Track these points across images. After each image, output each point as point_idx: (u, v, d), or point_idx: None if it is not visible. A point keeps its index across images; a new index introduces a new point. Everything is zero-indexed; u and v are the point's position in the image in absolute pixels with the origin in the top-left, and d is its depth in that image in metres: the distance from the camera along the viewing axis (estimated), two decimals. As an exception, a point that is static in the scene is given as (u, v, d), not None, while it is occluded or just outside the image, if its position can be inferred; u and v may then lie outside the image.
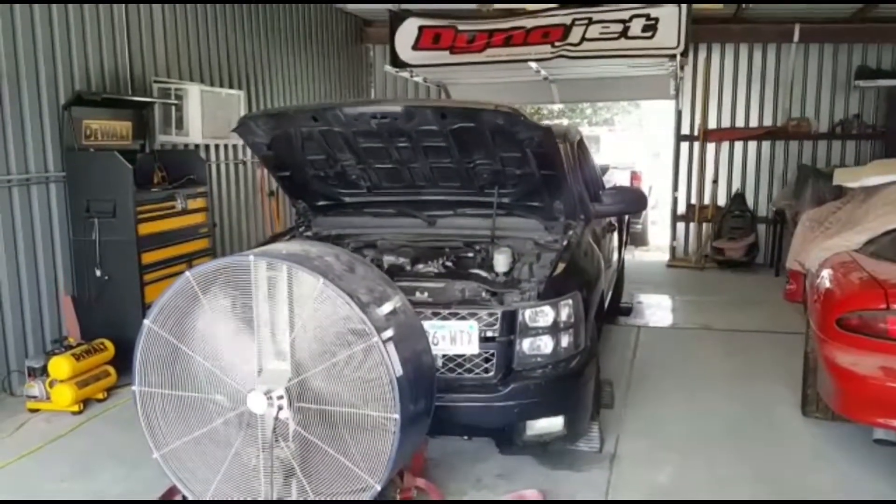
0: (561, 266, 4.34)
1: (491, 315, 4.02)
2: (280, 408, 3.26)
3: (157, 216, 6.17)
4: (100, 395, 5.52)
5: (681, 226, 11.37)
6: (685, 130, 11.10)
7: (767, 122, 10.87)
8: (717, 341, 6.99)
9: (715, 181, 10.98)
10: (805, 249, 6.20)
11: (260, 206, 9.04)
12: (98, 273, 5.91)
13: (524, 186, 4.87)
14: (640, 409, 5.23)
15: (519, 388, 4.00)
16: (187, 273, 3.34)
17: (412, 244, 5.03)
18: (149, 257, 6.06)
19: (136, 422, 5.10)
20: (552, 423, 4.11)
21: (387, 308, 3.27)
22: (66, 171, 6.00)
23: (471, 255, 4.92)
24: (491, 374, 4.03)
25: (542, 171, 4.60)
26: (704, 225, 11.07)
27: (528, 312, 4.04)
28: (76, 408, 5.28)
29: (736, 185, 11.03)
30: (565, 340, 4.13)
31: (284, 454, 3.36)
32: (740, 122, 10.97)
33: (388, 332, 3.15)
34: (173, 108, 7.07)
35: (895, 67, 10.21)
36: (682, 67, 9.16)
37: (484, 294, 4.16)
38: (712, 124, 10.96)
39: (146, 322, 3.42)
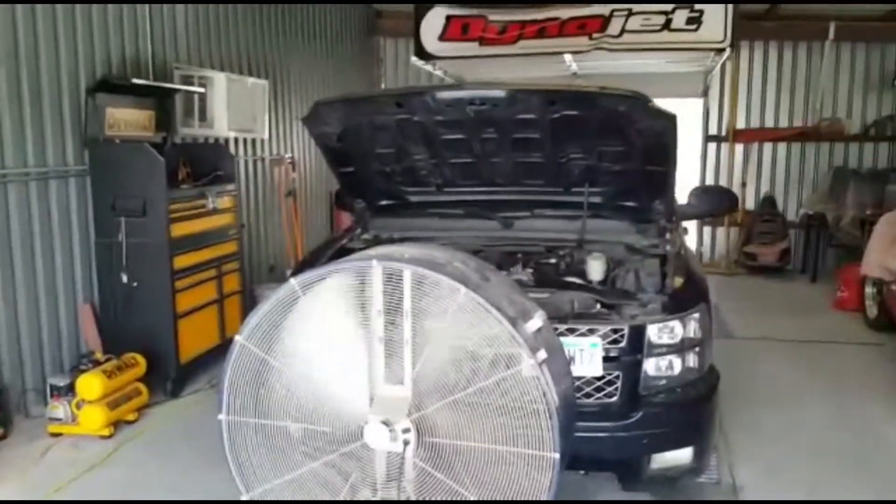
0: (682, 274, 3.85)
1: (616, 331, 3.50)
2: (406, 443, 2.72)
3: (188, 216, 5.57)
4: (130, 417, 4.91)
5: (707, 230, 10.97)
6: (713, 130, 10.71)
7: (797, 122, 10.53)
8: (785, 353, 6.53)
9: (744, 184, 10.59)
10: (892, 254, 5.77)
11: (277, 207, 8.43)
12: (125, 279, 5.29)
13: (619, 184, 4.38)
14: (737, 432, 4.75)
15: (648, 416, 3.49)
16: (292, 280, 2.79)
17: (486, 249, 4.51)
18: (180, 261, 5.45)
19: (175, 447, 4.59)
20: (679, 456, 3.60)
21: (535, 324, 2.74)
22: (90, 165, 5.38)
23: (553, 261, 4.42)
24: (614, 399, 3.52)
25: (649, 166, 4.10)
26: (733, 229, 10.69)
27: (655, 328, 3.53)
28: (107, 431, 4.67)
29: (765, 188, 10.64)
30: (692, 360, 3.63)
31: (403, 496, 2.83)
32: (769, 123, 10.61)
33: (542, 354, 2.63)
34: (196, 97, 6.46)
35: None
36: (725, 63, 8.73)
37: (599, 306, 3.66)
38: (741, 124, 10.58)
39: (239, 339, 2.86)
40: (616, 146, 4.07)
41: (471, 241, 4.60)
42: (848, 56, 10.29)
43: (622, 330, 3.50)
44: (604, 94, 3.66)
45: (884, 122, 10.26)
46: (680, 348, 3.58)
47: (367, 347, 2.80)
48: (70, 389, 4.71)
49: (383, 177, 4.64)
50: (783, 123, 10.57)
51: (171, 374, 5.38)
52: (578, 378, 3.50)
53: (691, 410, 3.61)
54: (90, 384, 4.61)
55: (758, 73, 10.53)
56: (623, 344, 3.49)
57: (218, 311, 6.01)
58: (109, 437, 4.68)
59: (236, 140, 7.51)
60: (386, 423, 2.72)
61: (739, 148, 10.61)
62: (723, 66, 10.29)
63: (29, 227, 5.07)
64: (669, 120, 3.78)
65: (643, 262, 4.17)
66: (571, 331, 3.51)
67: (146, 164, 5.21)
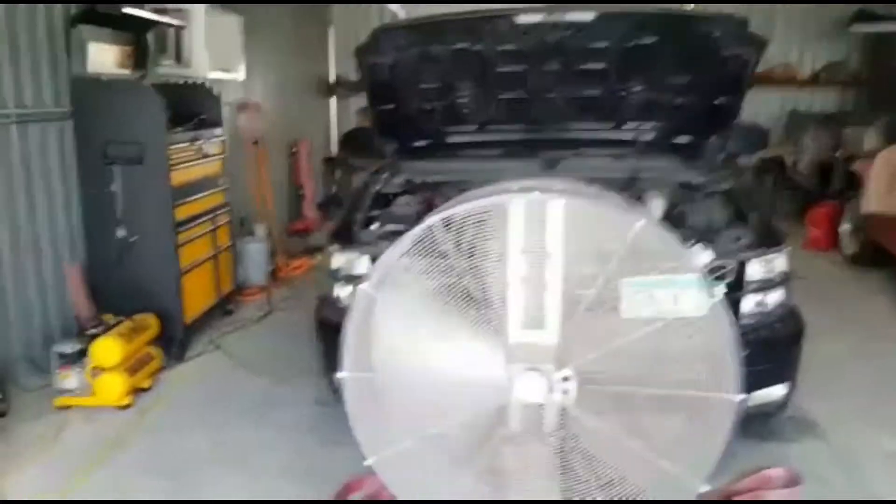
0: (759, 209, 3.74)
1: (719, 268, 3.33)
2: (565, 392, 2.49)
3: (186, 163, 5.07)
4: (145, 383, 4.46)
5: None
6: (670, 76, 10.69)
7: (750, 67, 10.62)
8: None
9: (700, 129, 10.66)
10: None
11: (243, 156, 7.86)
12: (121, 233, 4.77)
13: (677, 118, 4.25)
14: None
15: (751, 354, 3.36)
16: (431, 219, 2.48)
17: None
18: (180, 213, 4.97)
19: (203, 413, 4.24)
20: (774, 392, 3.53)
21: (704, 258, 2.55)
22: (74, 107, 4.78)
23: None
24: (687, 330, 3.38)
25: (718, 97, 3.95)
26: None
27: (755, 263, 3.41)
28: (126, 401, 4.23)
29: (720, 133, 10.74)
30: (784, 296, 3.55)
31: (549, 451, 2.61)
32: (724, 68, 10.67)
33: (722, 288, 2.44)
34: (171, 33, 5.86)
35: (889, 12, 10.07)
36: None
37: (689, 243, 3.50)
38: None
39: (364, 288, 2.54)
40: (686, 76, 3.91)
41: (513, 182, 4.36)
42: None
43: (725, 266, 3.34)
44: (702, 16, 3.47)
45: (834, 67, 10.48)
46: (775, 283, 3.49)
47: (506, 290, 2.54)
48: (81, 356, 4.22)
49: (423, 115, 4.33)
50: (737, 68, 10.65)
51: (177, 336, 4.93)
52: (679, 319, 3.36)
53: (787, 346, 3.54)
54: (108, 349, 4.14)
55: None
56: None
57: (213, 266, 5.55)
58: (128, 407, 4.24)
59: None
60: (537, 372, 2.50)
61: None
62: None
63: (10, 179, 4.47)
64: (760, 46, 3.62)
65: (709, 198, 4.03)
66: (672, 268, 3.34)
67: (143, 106, 4.68)
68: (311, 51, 9.98)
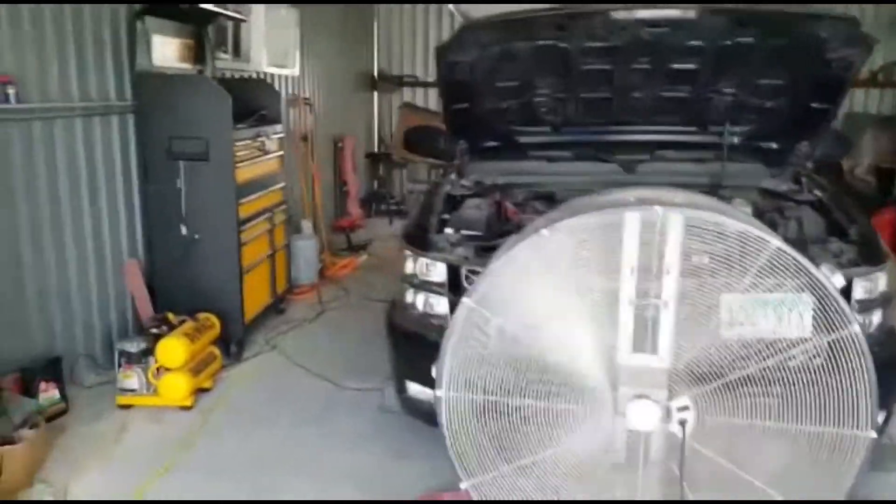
0: (856, 221, 3.54)
1: (824, 285, 3.16)
2: (682, 422, 2.34)
3: (249, 159, 4.97)
4: (207, 384, 4.36)
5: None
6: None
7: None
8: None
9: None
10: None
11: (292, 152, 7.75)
12: (184, 231, 4.68)
13: (766, 122, 4.06)
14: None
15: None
16: (544, 231, 2.34)
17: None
18: (243, 210, 4.87)
19: (267, 414, 4.15)
20: (871, 418, 3.34)
21: (838, 281, 2.38)
22: (136, 101, 4.69)
23: None
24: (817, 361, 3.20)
25: (813, 101, 3.76)
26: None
27: (860, 281, 3.22)
28: (189, 402, 4.14)
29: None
30: (886, 316, 3.35)
31: (659, 480, 2.46)
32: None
33: (858, 315, 2.28)
34: (229, 28, 5.77)
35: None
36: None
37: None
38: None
39: (467, 301, 2.40)
40: (783, 78, 3.72)
41: (588, 186, 4.21)
42: (857, -1, 10.09)
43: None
44: (811, 15, 3.27)
45: (891, 68, 10.15)
46: (877, 303, 3.30)
47: (617, 308, 2.39)
48: (144, 355, 4.13)
49: (497, 115, 4.18)
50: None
51: (237, 336, 4.84)
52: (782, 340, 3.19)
53: (887, 371, 3.32)
54: (174, 349, 4.05)
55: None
56: (831, 299, 3.17)
57: (270, 266, 5.45)
58: (190, 408, 4.15)
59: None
60: (650, 399, 2.35)
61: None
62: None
63: (76, 172, 4.39)
64: (867, 49, 3.43)
65: (799, 208, 3.85)
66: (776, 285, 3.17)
67: (208, 101, 4.56)
68: (357, 45, 9.86)
